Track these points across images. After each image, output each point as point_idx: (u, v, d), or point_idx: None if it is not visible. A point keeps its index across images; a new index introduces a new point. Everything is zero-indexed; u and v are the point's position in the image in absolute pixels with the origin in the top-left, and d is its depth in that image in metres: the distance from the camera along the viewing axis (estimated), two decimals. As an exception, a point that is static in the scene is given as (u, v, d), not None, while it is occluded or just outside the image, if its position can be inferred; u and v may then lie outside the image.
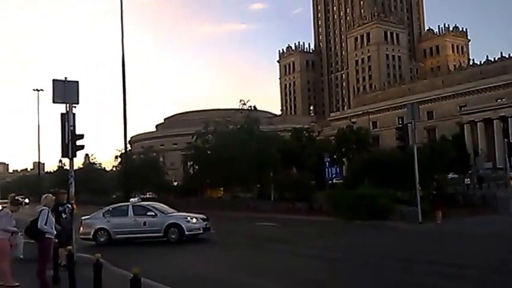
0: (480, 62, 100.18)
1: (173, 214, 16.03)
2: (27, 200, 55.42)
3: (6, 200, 9.88)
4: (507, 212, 20.24)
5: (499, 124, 76.36)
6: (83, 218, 16.01)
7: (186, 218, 15.44)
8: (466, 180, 41.68)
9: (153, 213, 15.45)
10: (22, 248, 8.00)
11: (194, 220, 15.46)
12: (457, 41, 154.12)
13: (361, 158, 30.74)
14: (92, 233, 15.44)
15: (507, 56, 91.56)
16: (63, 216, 9.76)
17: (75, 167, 12.65)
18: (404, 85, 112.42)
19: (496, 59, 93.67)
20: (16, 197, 8.88)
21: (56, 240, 8.31)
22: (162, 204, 17.59)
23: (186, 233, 14.99)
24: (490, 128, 77.86)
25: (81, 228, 15.58)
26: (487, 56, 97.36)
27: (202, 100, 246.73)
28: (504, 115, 76.29)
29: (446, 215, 18.21)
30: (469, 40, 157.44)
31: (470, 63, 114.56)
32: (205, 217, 16.01)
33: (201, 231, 15.37)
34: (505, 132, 70.38)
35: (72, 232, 10.26)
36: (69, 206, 10.14)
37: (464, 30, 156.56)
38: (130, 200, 17.04)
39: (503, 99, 78.79)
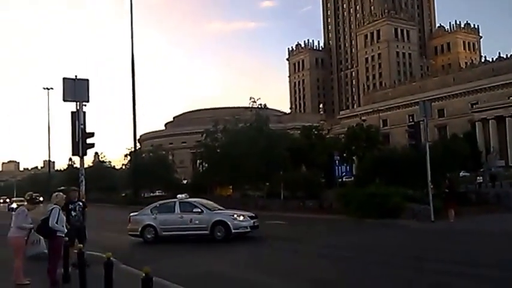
0: (492, 59, 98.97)
1: (220, 211, 15.48)
2: (41, 199, 56.10)
3: (21, 198, 9.94)
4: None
5: (511, 121, 75.36)
6: (131, 214, 15.95)
7: (233, 216, 14.88)
8: (478, 178, 41.07)
9: (199, 210, 15.00)
10: (44, 243, 8.04)
11: (241, 218, 14.88)
12: (469, 38, 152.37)
13: (372, 156, 30.46)
14: (139, 229, 15.19)
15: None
16: (73, 214, 9.61)
17: (85, 165, 12.71)
18: (415, 83, 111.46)
19: (508, 55, 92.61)
20: (34, 195, 8.93)
21: (67, 239, 8.30)
22: (209, 201, 17.02)
23: (233, 231, 14.47)
24: (502, 126, 76.88)
25: (130, 225, 15.54)
26: (499, 53, 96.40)
27: (211, 98, 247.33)
28: (517, 112, 75.29)
29: (458, 214, 17.97)
30: (481, 37, 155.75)
31: (482, 60, 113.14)
32: (253, 215, 15.49)
33: (249, 230, 14.80)
34: (517, 130, 69.50)
35: (85, 231, 9.96)
36: (80, 204, 9.91)
37: (476, 27, 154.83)
38: (178, 196, 16.27)
39: (516, 97, 77.72)
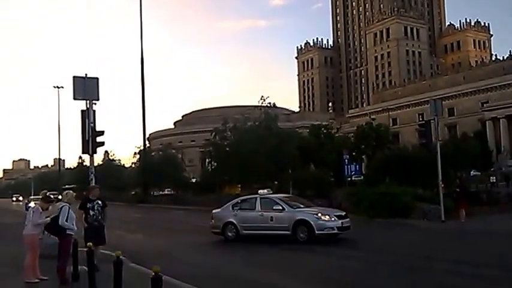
0: (503, 57, 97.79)
1: (303, 209, 13.89)
2: (60, 197, 56.56)
3: (39, 197, 9.93)
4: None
5: (523, 120, 74.40)
6: (214, 211, 15.20)
7: (317, 214, 13.25)
8: (491, 178, 40.49)
9: (280, 207, 13.62)
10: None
11: (326, 217, 13.22)
12: (479, 36, 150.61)
13: (382, 155, 30.28)
14: (221, 226, 14.35)
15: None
16: (91, 213, 9.09)
17: (95, 164, 12.74)
18: (425, 81, 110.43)
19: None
20: (48, 194, 8.93)
21: (75, 236, 8.29)
22: (294, 196, 15.48)
23: (316, 232, 12.87)
24: (514, 125, 75.90)
25: (212, 221, 14.83)
26: (510, 51, 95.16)
27: (221, 97, 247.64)
28: (529, 111, 74.28)
29: (469, 214, 17.75)
30: (491, 35, 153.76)
31: (493, 58, 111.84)
32: (342, 214, 13.92)
33: (336, 231, 13.13)
34: (529, 129, 68.55)
35: (104, 230, 9.35)
36: (100, 202, 9.28)
37: (487, 25, 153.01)
38: (259, 191, 14.95)
39: (528, 95, 76.71)
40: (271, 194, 14.94)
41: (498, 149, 72.52)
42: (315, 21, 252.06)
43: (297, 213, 13.47)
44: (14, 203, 67.15)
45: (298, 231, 13.12)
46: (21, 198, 72.83)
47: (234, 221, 14.14)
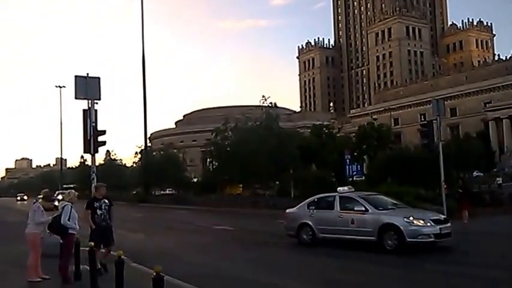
0: (506, 57, 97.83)
1: (390, 211, 11.78)
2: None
3: (63, 191, 9.82)
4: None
5: (526, 121, 74.26)
6: (287, 210, 13.81)
7: (408, 218, 10.98)
8: (498, 179, 39.55)
9: (363, 208, 11.58)
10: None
11: (420, 222, 10.95)
12: (482, 36, 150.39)
13: (384, 155, 30.23)
14: (295, 228, 12.86)
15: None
16: (99, 213, 8.76)
17: (97, 163, 12.75)
18: (427, 81, 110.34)
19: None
20: (56, 191, 8.88)
21: (77, 235, 8.27)
22: (383, 196, 13.24)
23: (407, 239, 10.67)
24: (516, 125, 75.76)
25: (285, 222, 13.49)
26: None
27: (222, 96, 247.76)
28: (531, 112, 74.13)
29: (473, 214, 17.64)
30: (494, 35, 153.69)
31: (496, 58, 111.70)
32: (441, 217, 11.67)
33: (432, 239, 10.88)
34: (532, 130, 68.39)
35: (112, 231, 9.09)
36: (106, 201, 8.95)
37: (489, 24, 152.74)
38: (338, 188, 13.04)
39: (531, 96, 76.57)
40: (352, 191, 12.87)
41: (501, 150, 72.39)
42: (317, 20, 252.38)
43: (383, 215, 11.33)
44: (18, 202, 67.14)
45: (385, 237, 10.98)
46: (25, 197, 72.77)
47: (310, 223, 12.47)
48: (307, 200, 13.44)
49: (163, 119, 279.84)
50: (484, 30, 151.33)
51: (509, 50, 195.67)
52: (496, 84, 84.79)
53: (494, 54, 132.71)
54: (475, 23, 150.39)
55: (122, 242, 12.46)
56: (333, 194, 13.03)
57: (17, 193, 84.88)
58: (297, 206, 13.57)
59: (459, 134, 75.33)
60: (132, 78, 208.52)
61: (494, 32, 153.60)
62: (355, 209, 11.76)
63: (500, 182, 38.96)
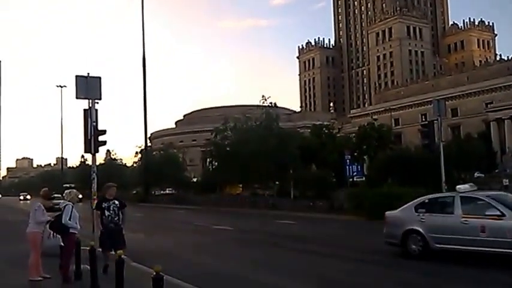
0: (507, 57, 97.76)
1: None
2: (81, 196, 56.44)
3: (57, 195, 9.83)
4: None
5: (527, 121, 74.20)
6: (387, 213, 11.50)
7: None
8: (504, 181, 36.97)
9: (497, 212, 9.14)
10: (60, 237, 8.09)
11: None
12: (483, 35, 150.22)
13: (384, 156, 30.25)
14: (400, 235, 10.49)
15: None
16: (106, 214, 8.54)
17: (97, 163, 12.74)
18: (428, 81, 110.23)
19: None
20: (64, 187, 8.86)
21: (78, 235, 8.27)
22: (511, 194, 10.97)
23: None
24: (518, 126, 75.67)
25: (385, 227, 11.09)
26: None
27: (222, 96, 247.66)
28: (533, 112, 74.07)
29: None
30: (496, 35, 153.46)
31: (497, 58, 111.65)
32: None
33: None
34: (533, 130, 68.38)
35: (123, 235, 8.77)
36: (116, 202, 8.69)
37: (491, 24, 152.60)
38: (457, 187, 10.48)
39: (532, 96, 76.53)
40: (475, 190, 10.52)
41: (503, 150, 72.27)
42: (317, 20, 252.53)
43: None
44: (21, 201, 67.13)
45: None
46: (28, 196, 72.76)
47: (420, 229, 10.14)
48: (415, 200, 11.06)
49: (164, 119, 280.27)
50: (486, 30, 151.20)
51: (511, 50, 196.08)
52: (498, 84, 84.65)
53: (495, 54, 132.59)
54: (476, 23, 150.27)
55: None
56: (450, 193, 10.89)
57: (20, 192, 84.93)
58: (401, 208, 11.24)
59: (460, 134, 75.24)
60: (132, 78, 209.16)
61: (495, 32, 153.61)
62: (487, 213, 9.28)
63: (507, 183, 36.32)
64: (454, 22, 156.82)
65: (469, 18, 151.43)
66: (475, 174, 38.94)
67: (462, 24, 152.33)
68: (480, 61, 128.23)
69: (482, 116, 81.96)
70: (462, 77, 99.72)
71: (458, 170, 22.34)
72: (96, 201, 9.11)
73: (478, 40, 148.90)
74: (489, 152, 55.25)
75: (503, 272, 8.78)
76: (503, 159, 65.20)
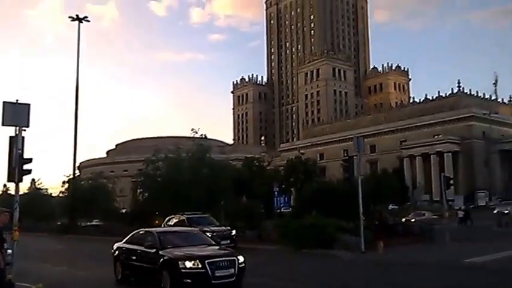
0: (419, 100, 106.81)
1: None
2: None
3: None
4: (443, 242, 21.58)
5: (436, 159, 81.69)
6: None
7: None
8: (459, 213, 35.26)
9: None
10: None
11: None
12: (399, 79, 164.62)
13: (310, 188, 31.64)
14: None
15: (444, 95, 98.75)
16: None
17: (21, 192, 12.27)
18: (350, 120, 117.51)
19: (434, 97, 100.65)
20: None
21: None
22: None
23: None
24: (428, 162, 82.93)
25: None
26: (426, 95, 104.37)
27: (156, 128, 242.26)
28: (441, 150, 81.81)
29: (387, 245, 19.03)
30: (410, 79, 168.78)
31: (411, 101, 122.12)
32: None
33: None
34: (441, 167, 75.46)
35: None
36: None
37: (406, 69, 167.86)
38: None
39: (440, 136, 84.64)
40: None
41: (414, 185, 78.60)
42: (251, 58, 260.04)
43: None
44: None
45: None
46: None
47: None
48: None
49: (96, 151, 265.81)
50: (402, 75, 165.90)
51: (423, 93, 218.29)
52: (411, 124, 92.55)
53: (409, 97, 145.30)
54: (393, 68, 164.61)
55: (42, 274, 11.91)
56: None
57: None
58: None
59: (377, 169, 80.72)
60: (62, 106, 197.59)
61: (410, 77, 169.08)
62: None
63: (462, 215, 34.17)
64: (374, 66, 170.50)
65: (387, 63, 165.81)
66: (390, 206, 42.01)
67: (381, 69, 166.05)
68: (396, 103, 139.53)
69: (397, 152, 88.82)
70: (380, 116, 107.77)
71: (374, 202, 24.05)
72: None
73: (395, 83, 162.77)
74: (402, 186, 59.84)
75: None
76: (414, 193, 70.94)
